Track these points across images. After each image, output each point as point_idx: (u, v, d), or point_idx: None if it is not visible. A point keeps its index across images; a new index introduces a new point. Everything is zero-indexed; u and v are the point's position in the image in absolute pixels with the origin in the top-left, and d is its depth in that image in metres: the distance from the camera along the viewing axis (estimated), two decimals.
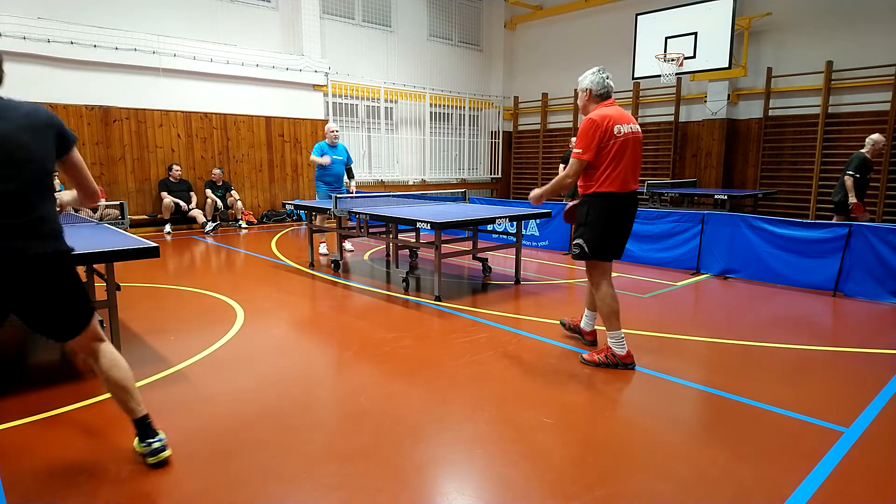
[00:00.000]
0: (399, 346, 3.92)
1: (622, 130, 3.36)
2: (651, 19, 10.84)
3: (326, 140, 7.51)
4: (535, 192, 3.70)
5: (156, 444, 2.35)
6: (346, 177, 7.73)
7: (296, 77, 11.48)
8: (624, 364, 3.51)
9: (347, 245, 8.01)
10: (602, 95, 3.47)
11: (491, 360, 3.64)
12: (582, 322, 3.96)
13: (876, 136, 6.86)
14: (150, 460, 2.34)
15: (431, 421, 2.82)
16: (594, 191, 3.42)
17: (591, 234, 3.46)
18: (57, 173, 8.82)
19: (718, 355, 3.83)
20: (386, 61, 13.19)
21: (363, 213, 5.80)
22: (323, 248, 7.66)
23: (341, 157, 7.53)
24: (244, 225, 10.67)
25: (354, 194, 7.29)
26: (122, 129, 9.64)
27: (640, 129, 3.49)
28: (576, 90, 3.75)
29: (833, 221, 5.88)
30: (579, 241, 3.52)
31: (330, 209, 6.16)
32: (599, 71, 3.48)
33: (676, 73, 10.64)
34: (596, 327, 3.94)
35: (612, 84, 3.48)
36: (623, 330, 3.58)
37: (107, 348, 2.38)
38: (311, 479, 2.30)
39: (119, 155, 9.66)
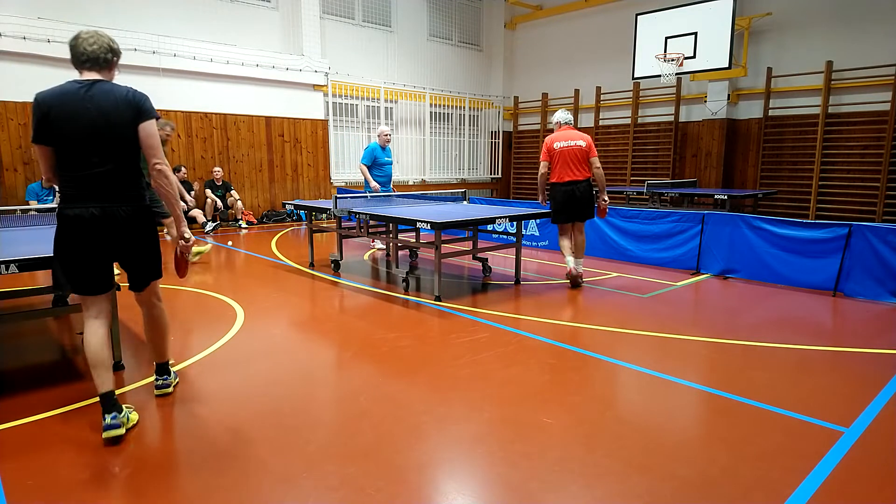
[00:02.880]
0: (399, 346, 3.92)
1: (559, 145, 5.64)
2: (651, 19, 10.83)
3: (378, 142, 7.85)
4: (540, 197, 5.97)
5: (169, 381, 3.07)
6: None
7: (296, 77, 11.48)
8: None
9: (378, 244, 8.03)
10: (561, 124, 5.84)
11: (491, 360, 3.65)
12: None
13: None
14: (157, 392, 3.05)
15: (431, 421, 2.82)
16: (550, 182, 5.79)
17: (552, 207, 5.82)
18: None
19: (718, 355, 3.83)
20: (386, 61, 13.19)
21: (363, 213, 5.80)
22: (379, 243, 7.96)
23: (391, 159, 8.01)
24: (244, 225, 10.67)
25: (362, 193, 7.42)
26: None
27: (577, 144, 5.60)
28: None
29: (833, 221, 5.88)
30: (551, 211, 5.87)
31: (330, 209, 6.17)
32: (563, 111, 5.88)
33: (676, 73, 10.64)
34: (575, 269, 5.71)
35: (571, 117, 5.89)
36: (621, 329, 3.92)
37: (163, 307, 3.02)
38: (311, 479, 2.30)
39: None
